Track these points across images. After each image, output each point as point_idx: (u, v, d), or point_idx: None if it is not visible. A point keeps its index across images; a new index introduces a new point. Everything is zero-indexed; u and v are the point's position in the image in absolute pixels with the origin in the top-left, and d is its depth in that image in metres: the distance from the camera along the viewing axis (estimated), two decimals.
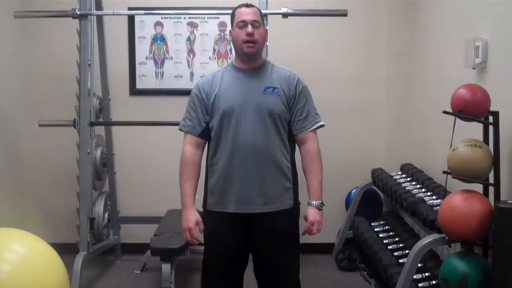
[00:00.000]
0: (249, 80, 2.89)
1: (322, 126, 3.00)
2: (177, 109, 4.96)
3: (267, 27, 4.16)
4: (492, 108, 2.93)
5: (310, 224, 2.88)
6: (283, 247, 2.90)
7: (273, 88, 2.87)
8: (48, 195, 5.11)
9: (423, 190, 3.88)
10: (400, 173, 4.47)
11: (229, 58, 5.05)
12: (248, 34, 2.82)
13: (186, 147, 2.90)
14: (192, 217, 2.85)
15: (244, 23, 2.84)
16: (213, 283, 2.96)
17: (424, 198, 3.68)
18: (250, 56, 2.88)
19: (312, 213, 2.88)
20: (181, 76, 5.11)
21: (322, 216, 2.89)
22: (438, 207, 3.31)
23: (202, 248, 3.02)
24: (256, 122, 2.82)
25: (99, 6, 4.48)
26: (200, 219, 2.88)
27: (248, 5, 2.92)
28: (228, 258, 2.92)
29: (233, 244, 2.89)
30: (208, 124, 2.89)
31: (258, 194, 2.82)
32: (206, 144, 2.95)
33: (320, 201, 2.90)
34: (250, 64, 2.91)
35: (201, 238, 2.90)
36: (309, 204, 2.91)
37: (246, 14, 2.85)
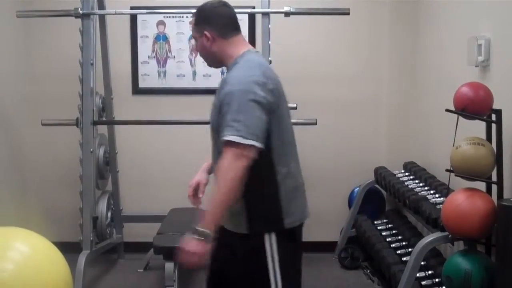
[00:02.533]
0: None
1: (232, 142, 2.13)
2: (179, 108, 5.01)
3: (270, 26, 4.21)
4: (495, 106, 2.93)
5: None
6: None
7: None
8: (51, 194, 5.12)
9: (426, 188, 3.88)
10: (403, 171, 4.47)
11: None
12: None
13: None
14: None
15: None
16: None
17: (427, 196, 3.68)
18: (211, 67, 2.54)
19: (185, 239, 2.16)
20: (184, 75, 5.11)
21: (200, 249, 2.12)
22: (441, 205, 3.31)
23: None
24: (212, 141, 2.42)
25: (101, 5, 4.48)
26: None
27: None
28: None
29: None
30: None
31: None
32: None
33: (202, 229, 2.13)
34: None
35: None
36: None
37: None
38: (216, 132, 2.29)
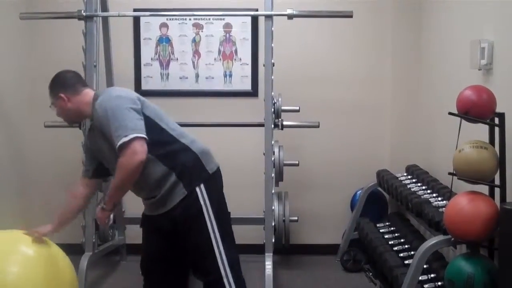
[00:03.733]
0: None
1: (124, 144, 2.71)
2: (182, 110, 5.01)
3: (273, 28, 4.22)
4: (498, 109, 2.93)
5: None
6: None
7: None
8: (53, 196, 5.09)
9: (429, 191, 3.88)
10: (405, 174, 4.47)
11: (234, 59, 5.05)
12: None
13: None
14: None
15: None
16: None
17: (430, 199, 3.68)
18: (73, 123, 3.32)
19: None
20: (187, 78, 5.12)
21: (100, 215, 2.96)
22: (443, 208, 3.31)
23: None
24: None
25: (104, 8, 4.49)
26: None
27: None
28: None
29: None
30: None
31: None
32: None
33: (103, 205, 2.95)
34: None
35: None
36: None
37: None
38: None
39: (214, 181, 2.96)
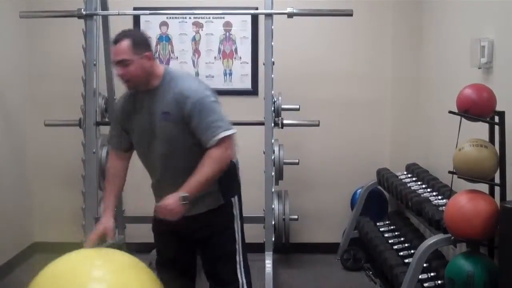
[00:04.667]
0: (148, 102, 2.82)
1: (225, 137, 2.69)
2: None
3: (273, 27, 4.21)
4: (498, 108, 2.93)
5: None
6: None
7: (166, 113, 2.75)
8: (54, 195, 5.12)
9: (429, 190, 3.88)
10: (405, 173, 4.47)
11: (234, 58, 5.05)
12: (119, 75, 2.77)
13: None
14: None
15: (113, 64, 2.81)
16: None
17: (430, 198, 3.68)
18: (134, 89, 2.84)
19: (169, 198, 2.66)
20: None
21: (175, 206, 2.61)
22: (443, 207, 3.31)
23: None
24: None
25: (104, 6, 4.48)
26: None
27: (117, 41, 2.78)
28: None
29: None
30: None
31: None
32: None
33: (184, 194, 2.63)
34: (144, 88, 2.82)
35: None
36: None
37: (114, 54, 2.77)
38: (182, 137, 2.74)
39: (240, 191, 3.01)
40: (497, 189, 2.95)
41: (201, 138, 2.70)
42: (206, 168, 2.67)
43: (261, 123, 4.27)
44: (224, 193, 2.87)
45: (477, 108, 2.90)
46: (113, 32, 4.66)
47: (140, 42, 2.77)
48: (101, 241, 2.81)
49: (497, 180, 2.93)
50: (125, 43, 2.73)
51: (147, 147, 2.85)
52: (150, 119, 2.79)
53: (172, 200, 2.64)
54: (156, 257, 3.12)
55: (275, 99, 4.41)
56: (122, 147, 2.97)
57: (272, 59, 4.19)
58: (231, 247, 2.91)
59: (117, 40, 2.76)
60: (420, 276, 3.32)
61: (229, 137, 2.70)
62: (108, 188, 2.98)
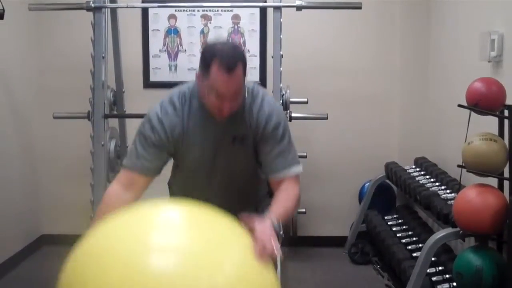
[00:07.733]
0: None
1: (298, 174, 2.57)
2: None
3: (281, 20, 4.20)
4: (508, 101, 2.92)
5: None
6: None
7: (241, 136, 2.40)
8: (62, 187, 5.14)
9: (437, 184, 3.87)
10: (414, 166, 4.45)
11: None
12: (224, 109, 2.24)
13: None
14: None
15: (222, 97, 2.22)
16: None
17: (438, 192, 3.67)
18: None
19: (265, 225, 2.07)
20: (195, 69, 5.03)
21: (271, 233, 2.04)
22: (452, 201, 3.30)
23: None
24: None
25: None
26: None
27: (231, 68, 2.16)
28: None
29: None
30: None
31: None
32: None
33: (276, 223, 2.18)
34: None
35: None
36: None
37: (225, 85, 2.19)
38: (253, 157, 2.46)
39: None
40: (506, 183, 2.94)
41: (270, 164, 2.41)
42: (291, 204, 2.45)
43: None
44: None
45: (486, 101, 2.89)
46: (122, 25, 4.68)
47: (244, 56, 2.29)
48: None
49: (506, 174, 2.92)
50: (240, 70, 2.20)
51: (205, 173, 2.49)
52: (219, 144, 2.41)
53: (267, 227, 2.05)
54: None
55: (283, 92, 4.40)
56: (150, 173, 2.44)
57: (281, 52, 4.18)
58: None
59: (232, 68, 2.17)
60: (428, 270, 3.31)
61: (299, 173, 2.54)
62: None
